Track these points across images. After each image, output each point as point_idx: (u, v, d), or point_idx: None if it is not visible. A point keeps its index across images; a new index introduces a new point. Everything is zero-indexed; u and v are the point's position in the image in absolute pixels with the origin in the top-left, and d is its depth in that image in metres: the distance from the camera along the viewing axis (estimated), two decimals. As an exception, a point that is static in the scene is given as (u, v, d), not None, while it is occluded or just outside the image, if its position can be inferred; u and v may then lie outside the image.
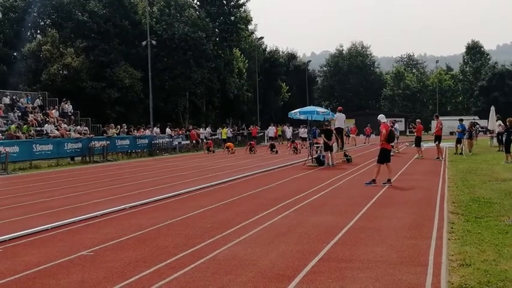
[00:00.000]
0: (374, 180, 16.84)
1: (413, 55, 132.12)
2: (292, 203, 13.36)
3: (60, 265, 7.84)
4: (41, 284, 6.95)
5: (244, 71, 71.21)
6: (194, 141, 45.34)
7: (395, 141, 35.52)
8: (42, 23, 59.40)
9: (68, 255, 8.35)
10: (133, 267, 7.58)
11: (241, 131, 60.52)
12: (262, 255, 8.26)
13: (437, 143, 28.52)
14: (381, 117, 18.20)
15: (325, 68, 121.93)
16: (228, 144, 41.11)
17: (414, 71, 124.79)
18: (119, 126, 38.85)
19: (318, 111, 29.22)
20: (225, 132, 49.67)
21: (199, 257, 8.05)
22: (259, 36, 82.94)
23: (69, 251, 8.57)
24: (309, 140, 29.31)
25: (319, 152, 25.95)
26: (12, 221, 11.51)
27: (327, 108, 37.19)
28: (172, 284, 6.84)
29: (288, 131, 52.20)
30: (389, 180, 16.93)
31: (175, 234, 9.99)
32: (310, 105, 57.47)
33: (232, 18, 66.81)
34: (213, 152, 40.02)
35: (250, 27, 75.12)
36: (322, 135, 24.95)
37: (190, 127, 50.19)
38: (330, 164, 24.76)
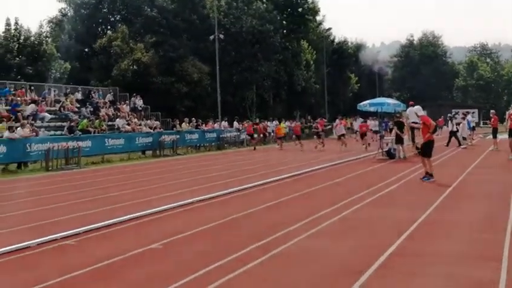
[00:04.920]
0: (431, 175, 16.06)
1: (486, 44, 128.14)
2: (362, 197, 13.16)
3: (131, 258, 7.95)
4: (113, 277, 7.06)
5: (312, 62, 70.67)
6: (262, 135, 45.29)
7: (469, 133, 34.58)
8: (113, 19, 60.77)
9: (138, 248, 8.44)
10: (202, 260, 7.59)
11: (308, 124, 60.12)
12: (332, 249, 8.19)
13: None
14: (418, 110, 17.61)
15: (395, 59, 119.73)
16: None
17: (488, 60, 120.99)
18: (187, 119, 39.32)
19: (388, 103, 28.73)
20: (283, 126, 48.67)
21: (268, 251, 8.00)
22: (327, 27, 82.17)
23: (140, 244, 8.66)
24: (380, 132, 28.84)
25: (389, 145, 25.52)
26: (84, 214, 11.75)
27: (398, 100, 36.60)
28: (241, 278, 6.83)
29: (355, 123, 51.04)
30: (427, 174, 16.18)
31: (244, 227, 10.01)
32: (380, 96, 56.49)
33: (300, 9, 66.37)
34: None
35: (318, 18, 74.38)
36: (395, 128, 24.43)
37: (257, 120, 50.14)
38: (401, 156, 24.30)
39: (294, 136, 40.60)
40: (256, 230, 9.62)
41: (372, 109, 29.58)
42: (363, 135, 35.71)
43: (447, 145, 32.14)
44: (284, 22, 65.92)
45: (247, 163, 25.12)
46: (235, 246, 8.28)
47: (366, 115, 43.61)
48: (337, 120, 39.64)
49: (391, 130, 29.42)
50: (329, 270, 7.09)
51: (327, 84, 71.32)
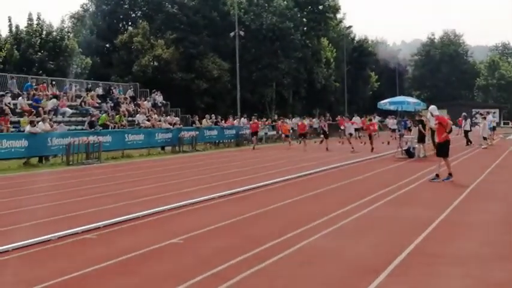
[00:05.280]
0: (450, 174, 15.91)
1: (508, 43, 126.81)
2: (381, 196, 13.18)
3: (151, 252, 8.05)
4: (134, 270, 7.15)
5: (332, 60, 70.53)
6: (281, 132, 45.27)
7: (490, 132, 34.34)
8: (134, 15, 61.07)
9: (159, 242, 8.55)
10: (221, 255, 7.67)
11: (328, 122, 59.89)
12: (350, 247, 8.22)
13: None
14: (433, 109, 17.49)
15: (416, 57, 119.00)
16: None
17: (510, 60, 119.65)
18: (208, 115, 39.51)
19: (408, 102, 28.67)
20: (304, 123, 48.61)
21: (286, 248, 8.04)
22: (347, 25, 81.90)
23: (160, 239, 8.76)
24: (399, 131, 28.77)
25: (409, 143, 25.46)
26: (105, 209, 11.90)
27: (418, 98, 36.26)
28: (260, 274, 6.89)
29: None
30: (437, 176, 16.05)
31: (263, 224, 10.08)
32: (400, 95, 56.23)
33: (321, 7, 66.20)
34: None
35: (338, 16, 74.12)
36: (419, 126, 24.27)
37: (276, 117, 50.11)
38: (421, 155, 24.23)
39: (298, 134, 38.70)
40: (273, 227, 9.67)
41: (392, 108, 29.56)
42: (369, 136, 30.96)
43: (467, 144, 32.03)
44: (304, 19, 65.80)
45: (265, 160, 25.18)
46: (253, 243, 8.34)
47: (385, 114, 43.41)
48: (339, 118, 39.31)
49: (409, 129, 29.33)
50: (346, 269, 7.12)
51: (346, 83, 71.15)
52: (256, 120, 38.31)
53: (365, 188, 14.74)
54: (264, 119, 47.49)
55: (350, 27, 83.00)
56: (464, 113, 34.84)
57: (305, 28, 64.64)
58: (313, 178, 17.75)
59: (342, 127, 36.59)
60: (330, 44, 70.90)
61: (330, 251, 7.98)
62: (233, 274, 6.79)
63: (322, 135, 35.01)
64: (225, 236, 9.09)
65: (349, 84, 72.76)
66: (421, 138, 24.24)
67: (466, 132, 33.18)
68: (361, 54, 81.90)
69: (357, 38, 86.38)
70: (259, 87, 58.97)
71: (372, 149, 28.81)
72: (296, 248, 8.08)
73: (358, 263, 7.36)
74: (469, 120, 34.88)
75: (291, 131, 42.07)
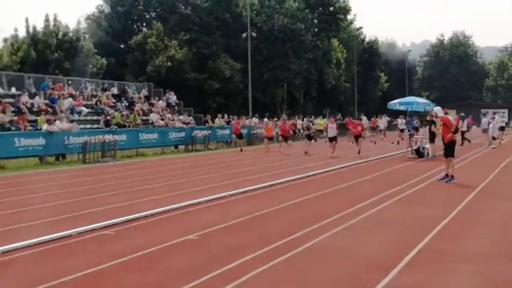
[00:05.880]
0: (452, 176, 15.98)
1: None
2: (391, 195, 13.38)
3: (167, 248, 8.30)
4: (150, 266, 7.38)
5: (343, 61, 70.70)
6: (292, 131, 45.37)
7: (498, 133, 34.48)
8: (148, 16, 61.60)
9: (173, 239, 8.79)
10: (234, 252, 7.87)
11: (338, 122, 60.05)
12: (360, 245, 8.37)
13: None
14: (438, 111, 17.63)
15: (425, 58, 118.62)
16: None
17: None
18: (220, 115, 39.91)
19: (418, 102, 28.87)
20: (321, 123, 48.58)
21: (296, 246, 8.21)
22: (358, 27, 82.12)
23: (175, 235, 9.00)
24: (409, 131, 29.04)
25: (418, 143, 25.74)
26: (121, 206, 12.20)
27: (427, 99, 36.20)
28: (271, 271, 7.07)
29: (381, 122, 50.37)
30: (447, 175, 16.16)
31: (274, 222, 10.26)
32: (409, 95, 56.34)
33: (331, 8, 66.52)
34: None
35: (349, 17, 74.41)
36: (432, 125, 24.41)
37: (284, 116, 50.28)
38: (431, 155, 24.48)
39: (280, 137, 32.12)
40: (284, 225, 9.85)
41: (401, 108, 29.79)
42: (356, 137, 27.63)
43: (462, 144, 31.99)
44: (315, 21, 66.08)
45: (276, 159, 25.45)
46: (265, 241, 8.52)
47: (395, 114, 43.50)
48: (325, 120, 34.85)
49: (417, 129, 29.54)
50: (355, 267, 7.25)
51: (357, 83, 71.30)
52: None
53: (374, 187, 14.88)
54: (275, 119, 47.72)
55: (360, 28, 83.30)
56: (462, 113, 34.90)
57: (316, 29, 64.92)
58: (322, 178, 17.93)
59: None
60: (341, 45, 71.09)
61: (340, 250, 8.12)
62: (245, 271, 6.96)
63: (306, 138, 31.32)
64: (238, 233, 9.31)
65: (359, 84, 72.88)
66: (432, 138, 24.48)
67: (462, 133, 33.23)
68: (371, 55, 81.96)
69: (367, 39, 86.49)
70: (271, 87, 59.29)
71: (359, 151, 26.03)
72: (306, 247, 8.23)
73: (368, 261, 7.47)
74: (466, 120, 34.92)
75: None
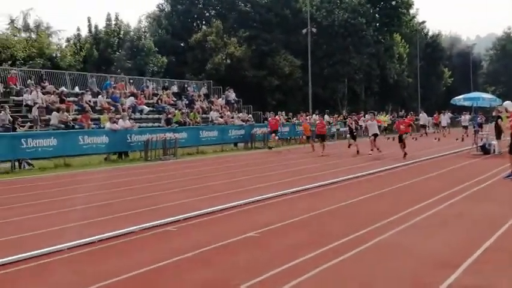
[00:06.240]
0: None
1: None
2: (457, 192, 13.06)
3: (228, 245, 8.28)
4: (212, 262, 7.39)
5: (405, 56, 69.67)
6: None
7: None
8: (208, 14, 62.13)
9: (235, 236, 8.77)
10: (297, 249, 7.79)
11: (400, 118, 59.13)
12: (425, 243, 8.21)
13: None
14: (508, 105, 17.00)
15: (491, 52, 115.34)
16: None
17: None
18: (281, 112, 39.84)
19: (483, 97, 28.10)
20: (384, 119, 47.75)
21: (361, 243, 8.10)
22: (420, 21, 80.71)
23: (236, 232, 8.99)
24: (474, 128, 28.27)
25: (484, 140, 25.06)
26: (183, 202, 12.29)
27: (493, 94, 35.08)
28: (336, 268, 6.98)
29: (444, 118, 48.92)
30: None
31: (336, 220, 10.17)
32: (474, 91, 54.90)
33: (393, 2, 65.49)
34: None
35: (411, 11, 73.17)
36: (499, 120, 23.72)
37: (344, 113, 49.82)
38: (497, 152, 23.82)
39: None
40: (347, 223, 9.75)
41: (466, 104, 29.06)
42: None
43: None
44: (377, 15, 65.27)
45: (337, 156, 25.23)
46: (328, 238, 8.42)
47: (459, 110, 42.46)
48: (367, 116, 30.88)
49: (480, 125, 28.71)
50: (420, 265, 7.12)
51: (419, 78, 70.08)
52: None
53: (439, 184, 14.58)
54: (336, 115, 47.34)
55: (423, 22, 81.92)
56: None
57: (377, 24, 64.13)
58: (388, 174, 17.75)
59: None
60: (403, 40, 70.03)
61: (405, 247, 7.97)
62: (309, 268, 6.88)
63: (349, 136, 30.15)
64: (300, 230, 9.23)
65: (422, 79, 71.64)
66: (499, 135, 23.82)
67: None
68: (434, 50, 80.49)
69: (430, 33, 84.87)
70: (331, 83, 58.96)
71: (404, 154, 23.51)
72: (370, 244, 8.11)
73: (433, 259, 7.33)
74: None
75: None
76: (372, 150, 25.20)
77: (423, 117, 46.19)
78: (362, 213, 10.71)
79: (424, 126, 45.45)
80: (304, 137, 31.60)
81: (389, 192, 13.65)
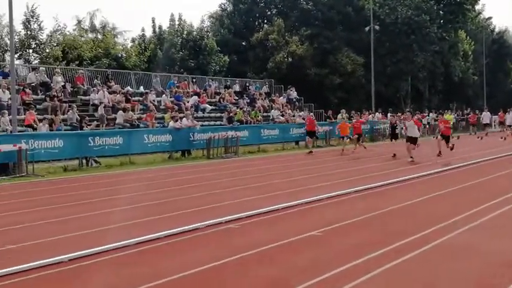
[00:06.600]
0: None
1: None
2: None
3: (290, 243, 8.30)
4: (273, 260, 7.43)
5: (470, 53, 68.10)
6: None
7: None
8: (269, 12, 62.25)
9: (297, 234, 8.78)
10: (360, 249, 7.77)
11: (465, 117, 57.87)
12: (491, 243, 8.09)
13: None
14: None
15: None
16: None
17: None
18: (343, 110, 39.57)
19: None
20: (450, 118, 46.38)
21: (425, 243, 8.03)
22: (487, 17, 78.63)
23: (299, 231, 9.00)
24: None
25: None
26: (245, 200, 12.44)
27: None
28: (401, 267, 6.95)
29: (509, 116, 47.10)
30: None
31: (399, 219, 10.10)
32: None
33: (458, -1, 64.13)
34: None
35: (477, 7, 71.38)
36: None
37: (407, 111, 48.97)
38: None
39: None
40: (410, 223, 9.66)
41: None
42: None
43: None
44: (441, 12, 63.91)
45: (399, 155, 24.85)
46: (392, 238, 8.38)
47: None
48: (405, 115, 27.40)
49: None
50: (487, 265, 7.02)
51: (485, 76, 68.35)
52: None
53: (506, 184, 14.29)
54: (399, 114, 46.64)
55: (489, 18, 79.60)
56: None
57: (442, 21, 62.78)
58: (454, 173, 17.53)
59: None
60: (468, 37, 68.44)
61: (470, 248, 7.88)
62: (374, 267, 6.87)
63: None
64: (363, 229, 9.23)
65: (488, 77, 69.79)
66: None
67: None
68: (501, 46, 78.18)
69: (496, 30, 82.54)
70: (394, 81, 58.23)
71: (439, 153, 22.63)
72: (435, 244, 8.02)
73: (500, 259, 7.23)
74: None
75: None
76: (411, 157, 21.59)
77: (487, 116, 44.99)
78: (425, 213, 10.59)
79: (487, 125, 44.33)
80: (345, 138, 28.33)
81: (452, 192, 13.43)
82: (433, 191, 13.31)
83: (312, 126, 29.22)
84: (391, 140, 27.95)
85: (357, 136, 28.00)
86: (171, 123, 25.43)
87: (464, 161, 21.08)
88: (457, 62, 63.24)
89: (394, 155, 23.77)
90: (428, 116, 46.62)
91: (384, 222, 9.92)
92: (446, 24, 63.02)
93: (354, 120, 29.24)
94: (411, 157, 21.41)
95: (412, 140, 21.82)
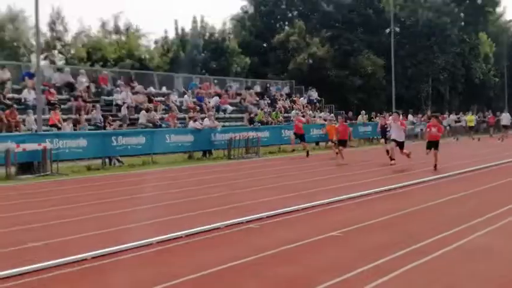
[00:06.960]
0: None
1: None
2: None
3: (310, 243, 8.38)
4: (293, 260, 7.50)
5: (491, 55, 67.62)
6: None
7: None
8: (290, 14, 62.28)
9: (318, 234, 8.86)
10: (380, 250, 7.81)
11: (486, 119, 57.40)
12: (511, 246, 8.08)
13: None
14: None
15: None
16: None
17: None
18: (363, 111, 39.64)
19: None
20: (471, 119, 46.19)
21: (446, 245, 8.04)
22: (508, 19, 77.97)
23: (319, 231, 9.08)
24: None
25: None
26: (266, 200, 12.49)
27: None
28: (421, 268, 6.98)
29: (505, 116, 46.16)
30: None
31: (421, 221, 10.11)
32: None
33: (479, 1, 63.59)
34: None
35: (498, 9, 70.85)
36: None
37: (429, 113, 48.75)
38: None
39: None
40: (431, 224, 9.68)
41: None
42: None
43: None
44: (462, 14, 63.49)
45: (420, 157, 24.78)
46: (412, 239, 8.40)
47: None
48: (391, 117, 24.59)
49: None
50: (507, 266, 7.05)
51: (507, 78, 67.82)
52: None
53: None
54: (420, 115, 46.49)
55: (510, 21, 78.94)
56: None
57: (462, 23, 62.40)
58: (475, 175, 17.46)
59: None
60: (489, 39, 67.95)
61: (492, 250, 7.88)
62: (394, 268, 6.89)
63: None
64: (384, 230, 9.26)
65: (509, 79, 69.25)
66: None
67: None
68: (523, 48, 77.42)
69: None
70: (415, 82, 58.01)
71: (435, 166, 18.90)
72: (456, 245, 8.04)
73: None
74: None
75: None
76: (392, 159, 20.49)
77: (506, 117, 44.50)
78: (447, 215, 10.61)
79: (506, 127, 43.87)
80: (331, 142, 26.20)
81: (477, 193, 13.46)
82: (454, 193, 13.30)
83: (300, 129, 27.34)
84: (385, 143, 24.42)
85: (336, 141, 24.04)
86: (191, 124, 25.68)
87: (484, 163, 20.88)
88: (477, 64, 62.83)
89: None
90: (449, 117, 46.33)
91: (405, 223, 9.97)
92: (467, 26, 62.65)
93: (337, 124, 25.69)
94: (393, 159, 20.31)
95: (399, 145, 20.22)
